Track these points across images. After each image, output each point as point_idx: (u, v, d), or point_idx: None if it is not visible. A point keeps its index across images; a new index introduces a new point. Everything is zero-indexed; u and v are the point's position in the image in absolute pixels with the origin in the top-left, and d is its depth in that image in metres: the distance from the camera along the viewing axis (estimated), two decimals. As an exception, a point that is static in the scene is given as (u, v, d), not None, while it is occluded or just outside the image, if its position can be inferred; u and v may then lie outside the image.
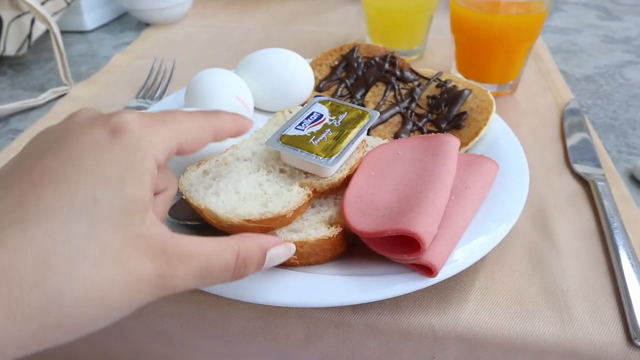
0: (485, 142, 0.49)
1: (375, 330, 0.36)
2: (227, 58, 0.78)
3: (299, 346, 0.38)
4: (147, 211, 0.25)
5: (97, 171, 0.24)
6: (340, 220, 0.37)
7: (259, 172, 0.39)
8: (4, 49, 0.74)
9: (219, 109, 0.49)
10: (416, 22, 0.73)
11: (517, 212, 0.39)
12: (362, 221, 0.36)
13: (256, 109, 0.56)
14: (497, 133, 0.50)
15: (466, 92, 0.54)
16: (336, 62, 0.62)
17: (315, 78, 0.60)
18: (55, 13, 0.77)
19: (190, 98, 0.51)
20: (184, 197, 0.37)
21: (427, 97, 0.55)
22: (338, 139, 0.39)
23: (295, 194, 0.37)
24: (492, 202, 0.40)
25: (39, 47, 0.84)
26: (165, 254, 0.24)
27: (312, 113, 0.42)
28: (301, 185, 0.38)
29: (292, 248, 0.34)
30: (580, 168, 0.50)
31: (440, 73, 0.58)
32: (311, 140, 0.39)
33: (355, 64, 0.61)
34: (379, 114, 0.44)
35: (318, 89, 0.59)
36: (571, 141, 0.55)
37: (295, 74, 0.55)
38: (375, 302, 0.36)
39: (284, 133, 0.40)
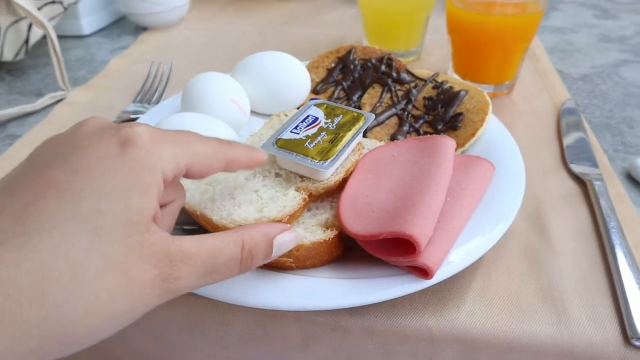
0: (481, 142, 0.49)
1: (372, 332, 0.36)
2: (224, 61, 0.78)
3: (296, 350, 0.38)
4: (150, 221, 0.25)
5: (103, 183, 0.24)
6: (336, 223, 0.37)
7: (255, 178, 0.39)
8: (1, 55, 0.74)
9: (215, 112, 0.49)
10: (413, 23, 0.73)
11: (514, 213, 0.39)
12: (357, 224, 0.36)
13: (253, 112, 0.56)
14: (494, 134, 0.50)
15: (462, 93, 0.54)
16: (333, 65, 0.62)
17: (312, 80, 0.60)
18: (52, 18, 0.78)
19: (186, 102, 0.51)
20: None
21: (424, 98, 0.55)
22: (333, 142, 0.40)
23: (290, 199, 0.37)
24: (489, 203, 0.40)
25: (37, 52, 0.84)
26: (168, 257, 0.25)
27: (308, 116, 0.42)
28: (297, 189, 0.38)
29: (301, 234, 0.33)
30: (576, 168, 0.50)
31: (436, 74, 0.58)
32: (306, 143, 0.39)
33: (352, 66, 0.61)
34: (374, 116, 0.44)
35: (315, 91, 0.59)
36: (568, 141, 0.55)
37: (291, 77, 0.55)
38: (371, 304, 0.36)
39: (279, 137, 0.40)
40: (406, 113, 0.54)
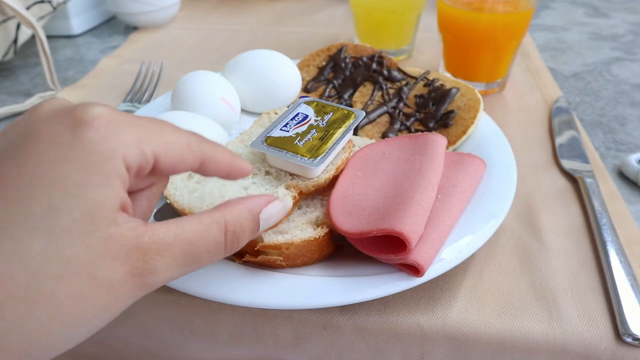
0: (473, 140, 0.49)
1: (364, 331, 0.36)
2: (214, 60, 0.78)
3: (288, 348, 0.37)
4: (117, 212, 0.22)
5: (55, 175, 0.21)
6: (326, 221, 0.37)
7: None
8: (-10, 55, 0.73)
9: (205, 111, 0.49)
10: (404, 21, 0.73)
11: (505, 210, 0.39)
12: (348, 222, 0.35)
13: (243, 111, 0.56)
14: (485, 131, 0.50)
15: (454, 90, 0.53)
16: (324, 63, 0.62)
17: (303, 79, 0.59)
18: (41, 17, 0.77)
19: (176, 101, 0.51)
20: (168, 201, 0.37)
21: (415, 96, 0.55)
22: (323, 139, 0.39)
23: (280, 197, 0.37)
24: (480, 201, 0.40)
25: (26, 52, 0.84)
26: (141, 250, 0.22)
27: (298, 114, 0.42)
28: (287, 187, 0.38)
29: (289, 204, 0.31)
30: (568, 165, 0.50)
31: (427, 72, 0.57)
32: (296, 141, 0.39)
33: (343, 64, 0.60)
34: (364, 113, 0.44)
35: (306, 89, 0.59)
36: (559, 138, 0.55)
37: (282, 75, 0.55)
38: (363, 302, 0.36)
39: (269, 134, 0.40)
40: (397, 111, 0.54)
